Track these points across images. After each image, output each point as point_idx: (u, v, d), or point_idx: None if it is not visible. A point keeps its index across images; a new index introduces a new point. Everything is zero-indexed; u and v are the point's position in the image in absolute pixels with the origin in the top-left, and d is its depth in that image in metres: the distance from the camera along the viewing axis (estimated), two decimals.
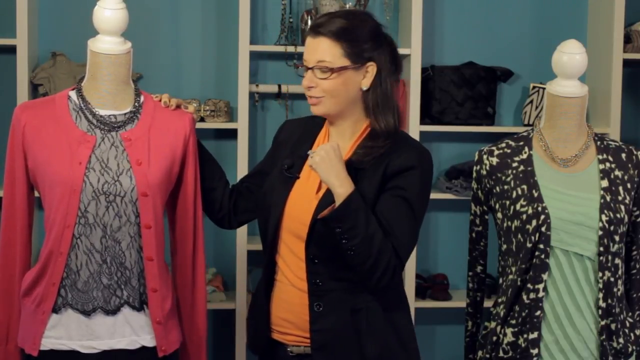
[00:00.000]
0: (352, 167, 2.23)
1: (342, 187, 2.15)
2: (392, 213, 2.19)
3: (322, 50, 2.23)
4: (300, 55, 3.87)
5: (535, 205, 2.41)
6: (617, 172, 2.47)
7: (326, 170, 2.16)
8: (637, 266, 2.54)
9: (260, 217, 2.39)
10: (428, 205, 2.31)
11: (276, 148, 2.46)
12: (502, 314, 2.48)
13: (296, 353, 2.30)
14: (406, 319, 2.34)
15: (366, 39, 2.24)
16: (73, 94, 2.36)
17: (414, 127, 3.78)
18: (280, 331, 2.32)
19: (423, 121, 3.85)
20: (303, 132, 2.40)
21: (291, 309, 2.28)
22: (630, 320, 2.49)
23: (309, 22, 3.81)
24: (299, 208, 2.26)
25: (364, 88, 2.26)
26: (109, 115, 2.33)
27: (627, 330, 2.46)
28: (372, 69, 2.25)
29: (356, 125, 2.31)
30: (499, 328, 2.48)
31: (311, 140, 2.37)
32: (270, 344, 2.35)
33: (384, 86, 2.27)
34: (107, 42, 2.32)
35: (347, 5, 3.82)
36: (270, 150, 2.50)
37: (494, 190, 2.53)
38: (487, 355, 2.51)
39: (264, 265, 2.35)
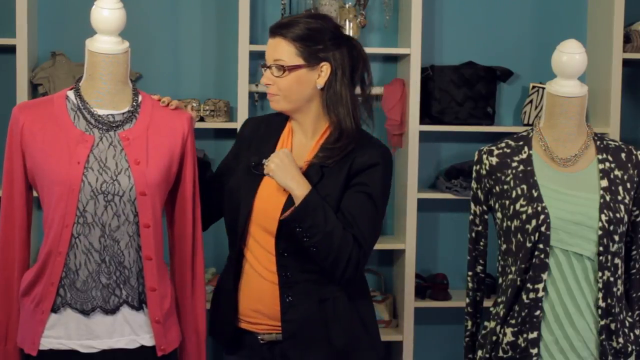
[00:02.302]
0: (318, 165, 2.37)
1: (299, 189, 2.30)
2: (355, 208, 2.34)
3: (278, 50, 2.38)
4: None
5: (535, 205, 2.41)
6: (616, 172, 2.47)
7: (282, 176, 2.31)
8: (637, 266, 2.54)
9: (228, 213, 2.47)
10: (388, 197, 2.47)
11: (239, 145, 2.56)
12: (501, 313, 2.48)
13: (267, 340, 2.42)
14: (369, 306, 2.52)
15: (321, 40, 2.39)
16: (71, 94, 2.36)
17: (414, 127, 3.78)
18: (250, 321, 2.43)
19: (423, 121, 3.84)
20: (266, 129, 2.51)
21: (262, 300, 2.40)
22: (630, 320, 2.49)
23: None
24: (268, 204, 2.38)
25: (319, 87, 2.40)
26: (107, 115, 2.33)
27: (626, 330, 2.46)
28: (326, 68, 2.39)
29: (318, 122, 2.44)
30: (498, 328, 2.48)
31: (276, 136, 2.48)
32: (236, 333, 2.45)
33: (338, 86, 2.40)
34: (105, 42, 2.32)
35: (347, 5, 3.82)
36: (233, 148, 2.59)
37: (494, 190, 2.53)
38: (487, 355, 2.51)
39: (232, 258, 2.44)
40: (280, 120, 2.51)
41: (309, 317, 2.37)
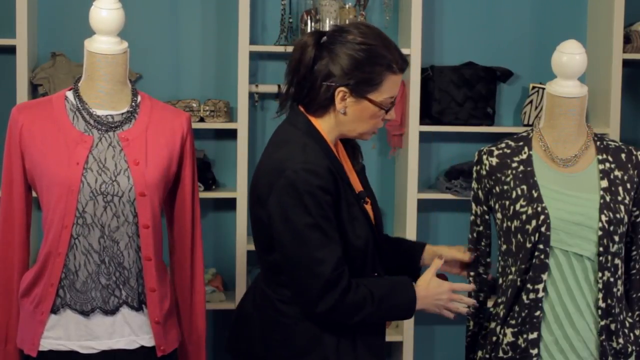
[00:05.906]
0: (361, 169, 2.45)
1: None
2: None
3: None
4: None
5: (535, 206, 2.41)
6: (616, 172, 2.47)
7: None
8: (637, 266, 2.54)
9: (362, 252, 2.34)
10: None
11: (335, 200, 2.24)
12: (501, 314, 2.48)
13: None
14: None
15: None
16: (70, 95, 2.35)
17: (414, 127, 3.78)
18: None
19: (423, 121, 3.84)
20: (330, 165, 2.25)
21: None
22: (630, 320, 2.49)
23: (309, 22, 3.80)
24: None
25: None
26: (106, 115, 2.33)
27: (626, 331, 2.46)
28: None
29: None
30: (498, 328, 2.48)
31: (336, 161, 2.28)
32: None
33: None
34: (104, 42, 2.32)
35: (347, 6, 3.82)
36: (330, 209, 2.22)
37: (494, 191, 2.52)
38: (487, 356, 2.51)
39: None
40: (321, 148, 2.27)
41: None
